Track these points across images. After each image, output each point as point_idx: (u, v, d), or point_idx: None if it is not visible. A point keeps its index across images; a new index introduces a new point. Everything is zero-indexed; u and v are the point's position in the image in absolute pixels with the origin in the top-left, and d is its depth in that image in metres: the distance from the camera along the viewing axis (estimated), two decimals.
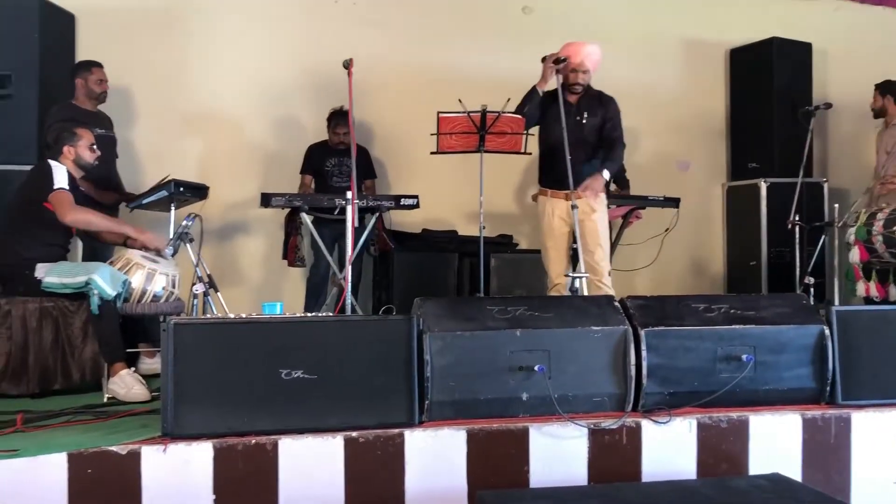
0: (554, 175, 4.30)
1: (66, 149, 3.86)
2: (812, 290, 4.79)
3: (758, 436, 3.02)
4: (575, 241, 4.13)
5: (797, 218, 5.18)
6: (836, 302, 5.12)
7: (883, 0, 6.97)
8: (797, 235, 5.30)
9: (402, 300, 4.92)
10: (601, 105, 4.43)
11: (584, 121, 4.35)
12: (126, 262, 3.60)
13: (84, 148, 3.90)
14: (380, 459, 2.76)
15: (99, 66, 4.87)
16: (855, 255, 4.70)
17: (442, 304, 3.05)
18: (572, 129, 4.20)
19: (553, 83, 4.22)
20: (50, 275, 3.47)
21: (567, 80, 4.31)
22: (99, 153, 4.00)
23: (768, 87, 6.30)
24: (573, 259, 4.47)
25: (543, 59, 4.31)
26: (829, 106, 5.47)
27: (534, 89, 4.31)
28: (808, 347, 3.14)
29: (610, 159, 4.39)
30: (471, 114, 4.14)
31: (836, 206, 5.09)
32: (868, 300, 4.77)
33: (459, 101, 4.10)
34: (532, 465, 2.86)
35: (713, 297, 3.37)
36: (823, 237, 5.32)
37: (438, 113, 4.13)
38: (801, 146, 5.52)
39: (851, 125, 6.67)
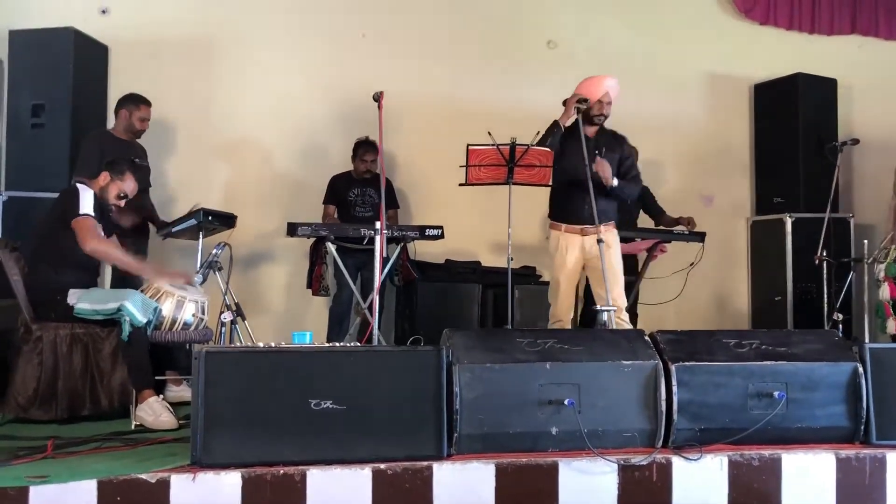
0: (571, 209, 4.32)
1: (104, 174, 3.85)
2: (840, 326, 4.74)
3: (790, 475, 2.97)
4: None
5: (825, 254, 5.13)
6: (867, 339, 5.05)
7: None
8: (824, 271, 5.25)
9: (425, 331, 4.90)
10: (616, 142, 4.49)
11: (603, 157, 4.35)
12: (156, 290, 3.62)
13: (115, 190, 3.86)
14: (408, 492, 2.74)
15: (148, 104, 4.88)
16: (885, 291, 4.67)
17: (471, 335, 3.05)
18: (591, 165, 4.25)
19: (571, 118, 4.28)
20: (82, 301, 3.50)
21: (591, 110, 4.35)
22: (122, 204, 3.96)
23: (793, 123, 6.29)
24: (587, 295, 4.47)
25: (565, 103, 4.38)
26: (856, 142, 5.46)
27: (556, 123, 4.35)
28: (841, 385, 3.10)
29: (625, 181, 4.40)
30: (500, 146, 4.16)
31: (866, 241, 5.04)
32: None
33: (489, 133, 4.13)
34: (561, 500, 2.83)
35: (744, 332, 3.35)
36: (851, 273, 5.27)
37: (468, 145, 4.16)
38: (826, 181, 5.50)
39: (876, 161, 6.62)
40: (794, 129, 6.28)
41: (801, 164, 6.21)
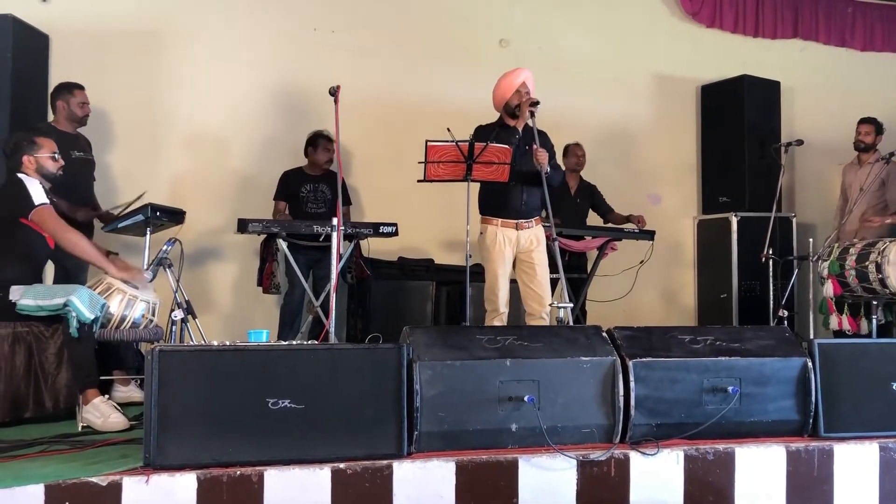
0: (506, 204, 4.38)
1: (25, 159, 3.66)
2: (785, 322, 4.85)
3: (743, 468, 3.03)
4: (555, 271, 4.16)
5: (770, 252, 5.26)
6: (811, 335, 5.20)
7: (845, 42, 7.21)
8: (770, 269, 5.38)
9: (378, 329, 4.83)
10: (540, 135, 4.48)
11: (528, 150, 4.40)
12: (107, 286, 3.50)
13: (46, 158, 3.71)
14: (367, 491, 2.71)
15: (81, 88, 4.77)
16: (829, 289, 4.80)
17: (431, 332, 3.03)
18: (524, 160, 4.36)
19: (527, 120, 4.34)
20: (25, 297, 3.35)
21: (510, 102, 4.44)
22: (62, 162, 3.80)
23: (739, 123, 6.44)
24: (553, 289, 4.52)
25: (520, 105, 4.39)
26: (800, 142, 5.60)
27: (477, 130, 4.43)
28: (791, 380, 3.18)
29: (552, 168, 4.46)
30: (459, 143, 4.15)
31: (811, 240, 5.18)
32: (840, 333, 4.86)
33: (448, 129, 4.11)
34: (521, 496, 2.83)
35: (698, 328, 3.40)
36: (796, 271, 5.41)
37: (427, 141, 4.13)
38: (770, 181, 5.65)
39: (815, 161, 6.85)
40: (739, 129, 6.44)
41: (747, 164, 6.37)
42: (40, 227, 3.53)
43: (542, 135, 4.48)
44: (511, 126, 4.47)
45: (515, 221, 4.37)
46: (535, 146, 4.25)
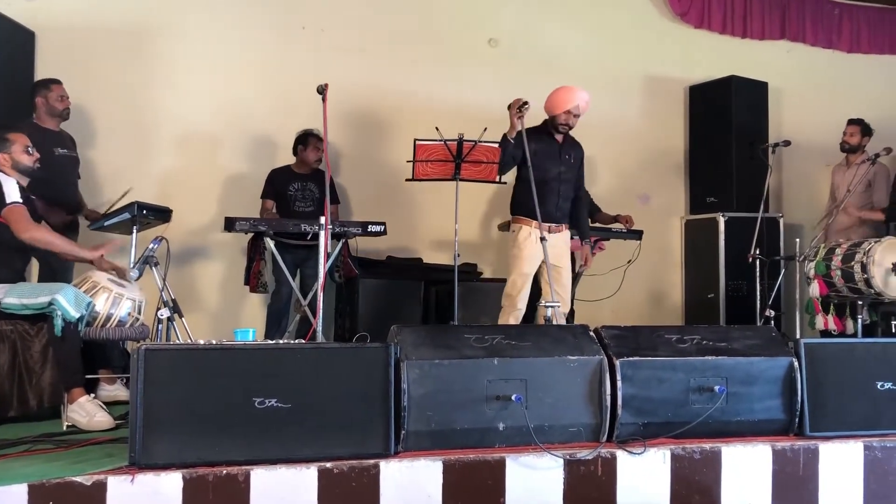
0: (543, 207, 4.43)
1: (1, 157, 3.66)
2: (772, 322, 4.88)
3: (730, 467, 3.04)
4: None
5: (757, 252, 5.28)
6: (797, 334, 5.22)
7: (832, 43, 7.25)
8: (757, 269, 5.40)
9: (366, 328, 4.86)
10: (579, 149, 4.74)
11: (571, 161, 4.63)
12: (92, 284, 3.48)
13: (20, 152, 3.69)
14: (354, 491, 2.71)
15: (58, 82, 4.75)
16: (815, 289, 4.82)
17: (419, 331, 3.02)
18: (564, 168, 4.55)
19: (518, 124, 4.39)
20: (9, 295, 3.33)
21: (558, 119, 4.55)
22: (38, 155, 3.78)
23: (726, 124, 6.46)
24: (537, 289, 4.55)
25: (509, 107, 4.43)
26: (787, 143, 5.62)
27: (504, 139, 4.45)
28: (777, 379, 3.19)
29: (586, 222, 4.87)
30: (447, 142, 4.15)
31: (798, 240, 5.21)
32: (826, 333, 4.88)
33: (436, 128, 4.10)
34: (508, 495, 2.83)
35: (685, 328, 3.41)
36: (782, 271, 5.43)
37: (415, 140, 4.13)
38: (758, 181, 5.66)
39: (802, 162, 6.88)
40: (727, 130, 6.45)
41: (734, 165, 6.39)
42: (12, 226, 3.49)
43: (578, 146, 4.72)
44: (553, 136, 4.61)
45: (548, 225, 4.46)
46: (587, 260, 4.83)
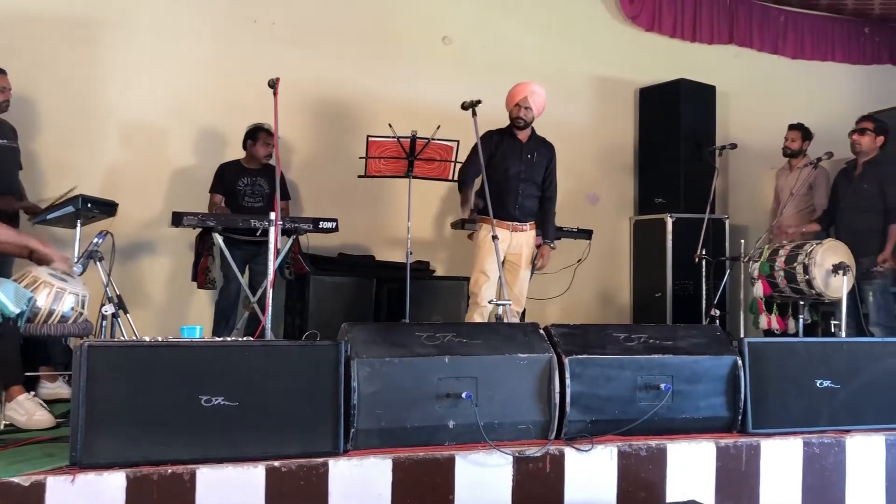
0: (503, 206, 4.52)
1: None
2: (717, 321, 4.98)
3: (675, 464, 3.09)
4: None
5: (703, 252, 5.38)
6: (741, 333, 5.34)
7: (777, 49, 7.43)
8: (703, 269, 5.51)
9: (317, 325, 4.81)
10: (545, 148, 4.78)
11: (534, 160, 4.66)
12: (33, 279, 3.37)
13: None
14: (302, 490, 2.68)
15: (2, 72, 4.61)
16: (759, 289, 4.93)
17: (370, 329, 3.01)
18: (525, 167, 4.60)
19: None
20: None
21: (512, 115, 4.60)
22: None
23: (675, 126, 6.58)
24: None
25: (463, 105, 4.41)
26: (734, 146, 5.75)
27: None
28: (722, 377, 3.25)
29: (552, 224, 4.82)
30: (400, 139, 4.13)
31: (743, 241, 5.33)
32: (769, 332, 5.00)
33: (389, 125, 4.09)
34: (457, 493, 2.83)
35: (633, 326, 3.45)
36: (728, 271, 5.55)
37: (368, 136, 4.10)
38: (705, 183, 5.78)
39: (748, 164, 7.04)
40: (675, 132, 6.58)
41: (682, 167, 6.51)
42: None
43: (548, 146, 4.76)
44: (516, 135, 4.64)
45: (511, 224, 4.55)
46: (544, 258, 4.77)
